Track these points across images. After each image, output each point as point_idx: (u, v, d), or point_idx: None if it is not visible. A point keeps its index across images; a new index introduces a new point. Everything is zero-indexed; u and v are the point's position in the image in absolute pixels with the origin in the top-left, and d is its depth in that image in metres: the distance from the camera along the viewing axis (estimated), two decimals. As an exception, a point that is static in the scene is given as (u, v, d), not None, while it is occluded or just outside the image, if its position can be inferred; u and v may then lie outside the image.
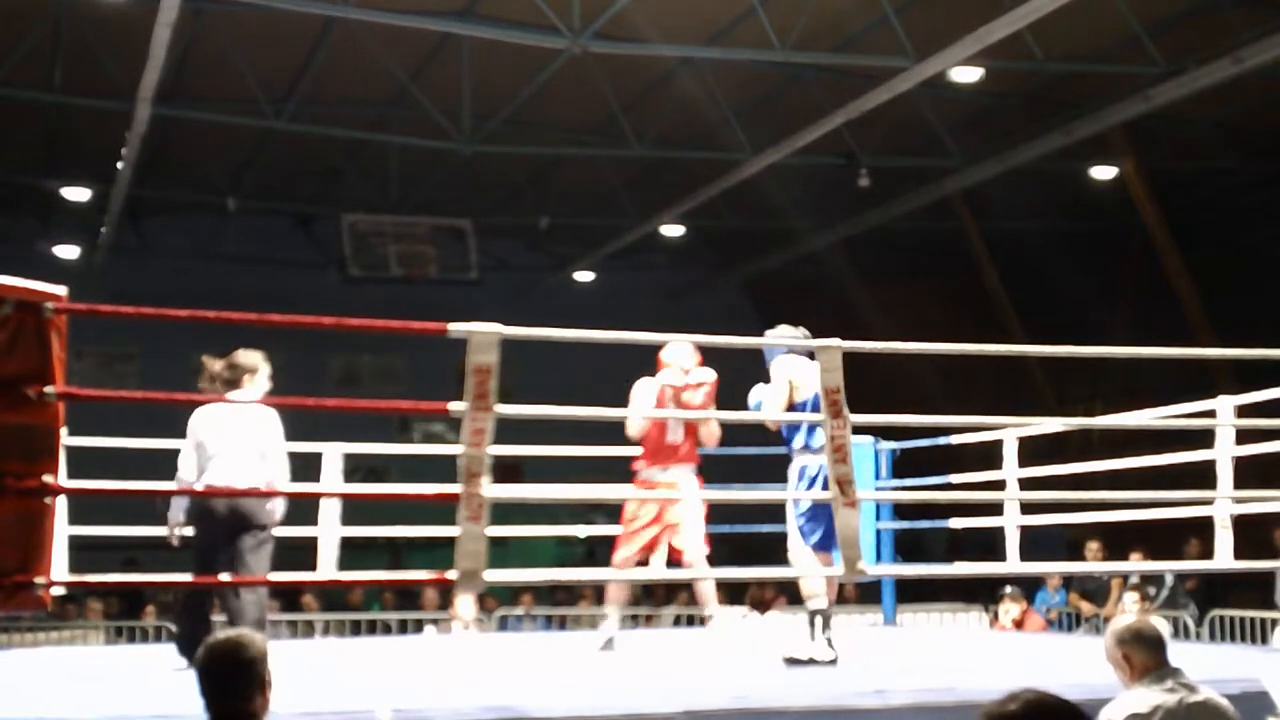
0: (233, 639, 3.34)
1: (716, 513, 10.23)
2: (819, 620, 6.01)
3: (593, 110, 13.68)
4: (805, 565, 6.10)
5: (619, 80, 12.78)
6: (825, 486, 5.97)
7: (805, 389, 6.14)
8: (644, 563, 6.82)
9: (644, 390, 6.72)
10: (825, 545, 6.09)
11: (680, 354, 6.71)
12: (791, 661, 5.94)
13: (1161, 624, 4.12)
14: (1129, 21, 11.24)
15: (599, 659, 6.55)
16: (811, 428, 6.15)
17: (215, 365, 6.40)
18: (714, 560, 6.99)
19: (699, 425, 6.69)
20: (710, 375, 6.76)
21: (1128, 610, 9.88)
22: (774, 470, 8.78)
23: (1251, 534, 7.59)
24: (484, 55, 12.20)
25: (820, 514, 6.07)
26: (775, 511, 8.67)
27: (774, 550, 15.95)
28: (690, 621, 12.15)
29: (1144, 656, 3.91)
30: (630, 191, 15.91)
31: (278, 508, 6.34)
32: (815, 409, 6.05)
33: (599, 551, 17.46)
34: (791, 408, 6.20)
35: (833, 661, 5.94)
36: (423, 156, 14.70)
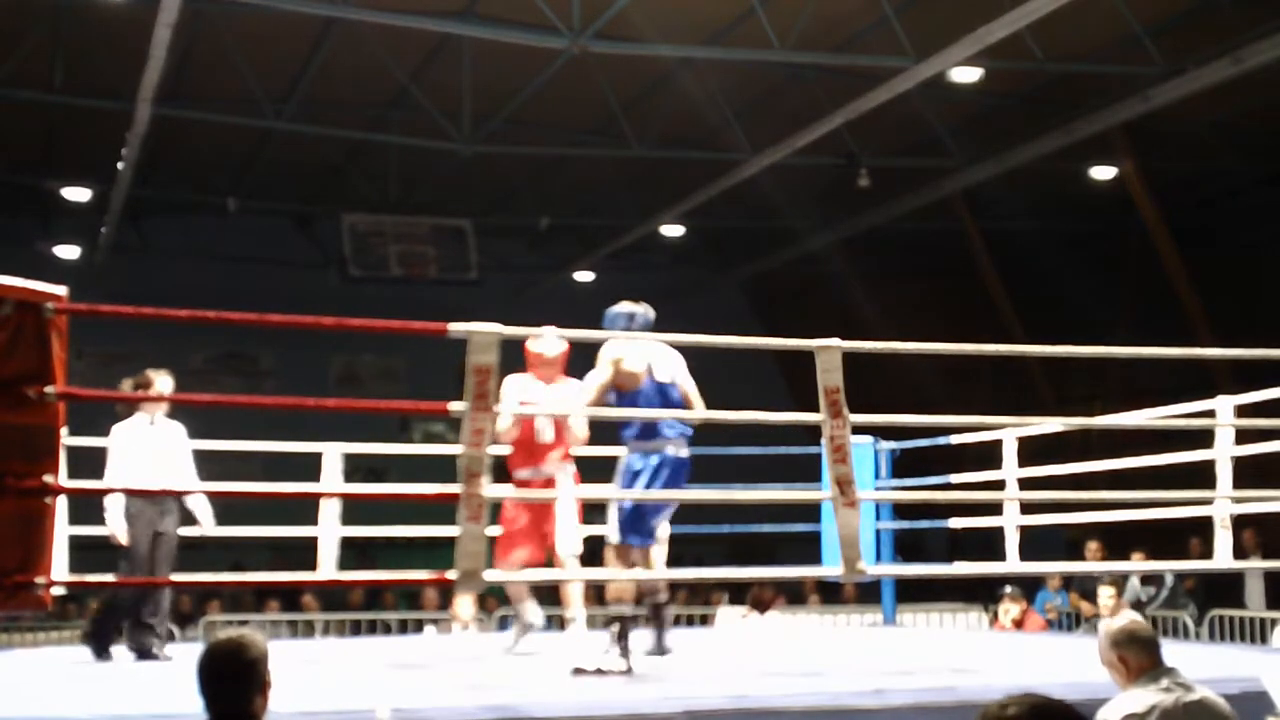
0: (234, 640, 3.34)
1: (716, 513, 10.25)
2: (618, 627, 5.71)
3: (593, 110, 13.67)
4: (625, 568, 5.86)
5: (619, 80, 12.78)
6: (656, 482, 5.75)
7: (639, 373, 5.76)
8: (537, 563, 6.74)
9: (512, 387, 6.56)
10: (647, 540, 5.88)
11: (545, 346, 6.62)
12: (579, 672, 5.60)
13: (1135, 617, 4.15)
14: (1129, 21, 11.24)
15: (537, 657, 6.50)
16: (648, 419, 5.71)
17: (126, 384, 6.81)
18: (711, 560, 6.97)
19: (565, 425, 6.59)
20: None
21: (1102, 604, 9.93)
22: (774, 470, 8.81)
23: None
24: (484, 55, 12.20)
25: (644, 508, 5.80)
26: (775, 511, 8.69)
27: (774, 550, 15.94)
28: (690, 621, 12.15)
29: (1139, 657, 3.92)
30: (630, 191, 15.91)
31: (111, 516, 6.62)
32: (657, 395, 5.80)
33: (596, 551, 17.49)
34: (622, 394, 5.79)
35: (626, 672, 5.59)
36: (423, 156, 14.69)
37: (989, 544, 10.74)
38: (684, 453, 5.83)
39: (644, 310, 6.03)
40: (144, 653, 6.65)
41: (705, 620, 11.77)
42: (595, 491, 6.37)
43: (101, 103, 12.65)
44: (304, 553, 7.86)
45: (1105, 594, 9.97)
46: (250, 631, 3.42)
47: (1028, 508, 7.90)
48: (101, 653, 6.68)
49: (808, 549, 8.54)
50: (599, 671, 5.61)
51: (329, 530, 7.67)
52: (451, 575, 4.23)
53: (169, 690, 5.20)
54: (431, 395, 6.08)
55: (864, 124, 12.76)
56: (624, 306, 6.07)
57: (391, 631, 11.36)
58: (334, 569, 7.72)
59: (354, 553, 16.63)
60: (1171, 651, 3.99)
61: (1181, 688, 3.83)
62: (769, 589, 11.43)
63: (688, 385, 5.99)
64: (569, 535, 6.60)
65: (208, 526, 6.93)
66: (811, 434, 5.35)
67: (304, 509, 7.92)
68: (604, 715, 4.53)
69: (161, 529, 6.72)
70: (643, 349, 5.82)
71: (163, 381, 6.65)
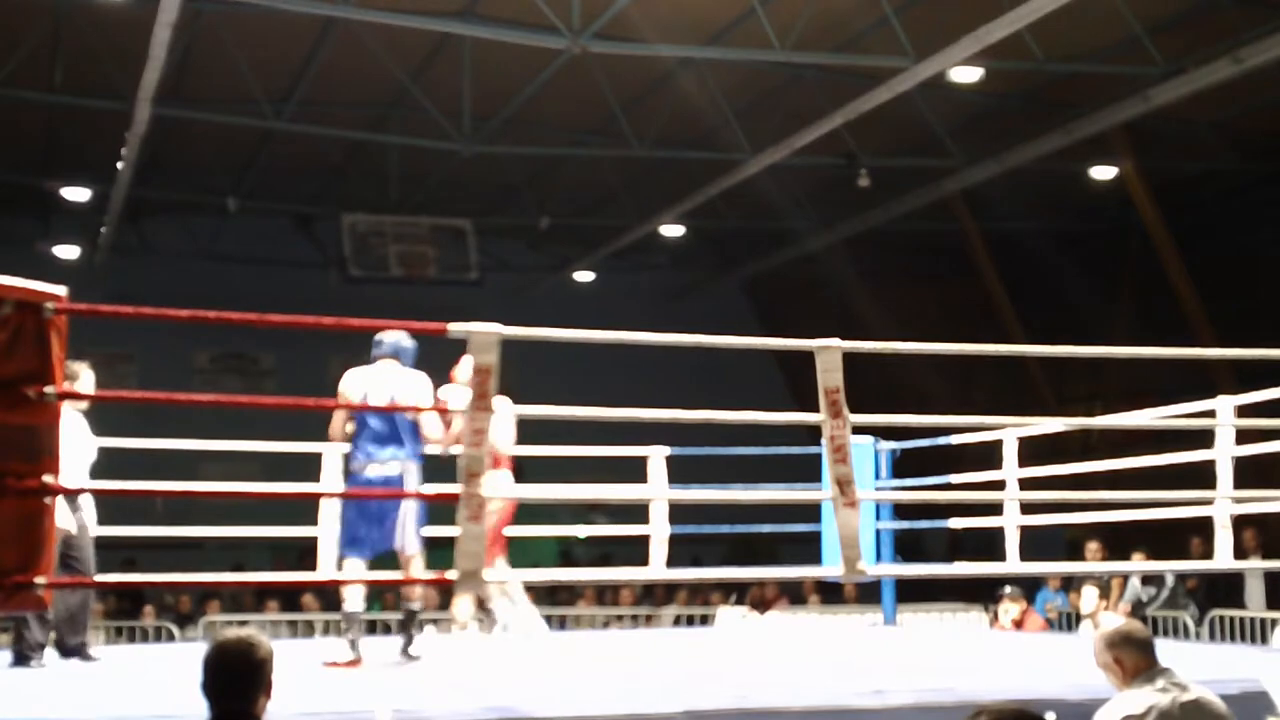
0: (244, 639, 3.34)
1: (716, 513, 10.23)
2: (346, 623, 6.16)
3: (593, 110, 13.67)
4: (349, 571, 6.22)
5: (619, 80, 12.77)
6: (356, 506, 6.13)
7: (355, 396, 6.20)
8: None
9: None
10: (361, 552, 6.21)
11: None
12: (329, 665, 6.05)
13: (1119, 619, 4.15)
14: (1129, 21, 11.24)
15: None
16: (363, 441, 6.18)
17: None
18: (710, 560, 6.98)
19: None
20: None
21: (1085, 601, 9.93)
22: (774, 470, 8.81)
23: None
24: (484, 55, 12.20)
25: (358, 522, 6.16)
26: (775, 512, 8.69)
27: (774, 550, 15.94)
28: (690, 621, 12.16)
29: (1135, 658, 3.93)
30: (630, 191, 15.91)
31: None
32: (376, 418, 6.18)
33: (576, 552, 17.52)
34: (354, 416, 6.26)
35: (353, 663, 6.05)
36: (423, 156, 14.69)
37: (989, 544, 10.74)
38: (388, 470, 6.17)
39: (393, 338, 6.39)
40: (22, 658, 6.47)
41: (705, 620, 11.78)
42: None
43: (101, 103, 12.65)
44: (304, 553, 7.86)
45: (1090, 594, 9.97)
46: (256, 632, 3.42)
47: (1028, 508, 7.89)
48: (69, 652, 6.59)
49: (808, 549, 8.54)
50: (333, 664, 6.03)
51: (330, 530, 7.65)
52: (451, 575, 4.23)
53: (169, 690, 5.20)
54: (431, 395, 6.09)
55: (864, 124, 12.75)
56: (382, 335, 6.38)
57: (391, 631, 11.36)
58: (334, 569, 7.71)
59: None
60: (1172, 652, 4.00)
61: (1178, 687, 3.84)
62: (769, 589, 11.45)
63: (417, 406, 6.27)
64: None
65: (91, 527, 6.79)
66: (811, 434, 5.35)
67: (304, 509, 7.92)
68: (604, 715, 4.53)
69: (83, 526, 6.56)
70: (367, 376, 6.28)
71: (86, 374, 6.58)
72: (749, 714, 4.53)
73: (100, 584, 6.47)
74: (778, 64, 12.13)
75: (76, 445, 6.57)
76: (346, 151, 15.23)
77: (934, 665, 6.52)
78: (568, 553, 17.58)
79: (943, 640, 8.90)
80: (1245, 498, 6.47)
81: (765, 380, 18.59)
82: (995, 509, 7.91)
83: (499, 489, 6.68)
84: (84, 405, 6.70)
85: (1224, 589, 11.41)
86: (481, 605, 7.36)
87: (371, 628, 11.58)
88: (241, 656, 3.30)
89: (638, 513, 8.47)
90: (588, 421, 4.97)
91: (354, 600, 6.16)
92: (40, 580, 3.76)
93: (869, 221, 16.27)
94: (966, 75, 12.09)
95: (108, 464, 7.41)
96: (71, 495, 6.48)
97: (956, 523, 8.81)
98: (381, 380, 6.28)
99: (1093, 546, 10.97)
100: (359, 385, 6.26)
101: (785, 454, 8.92)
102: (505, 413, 6.62)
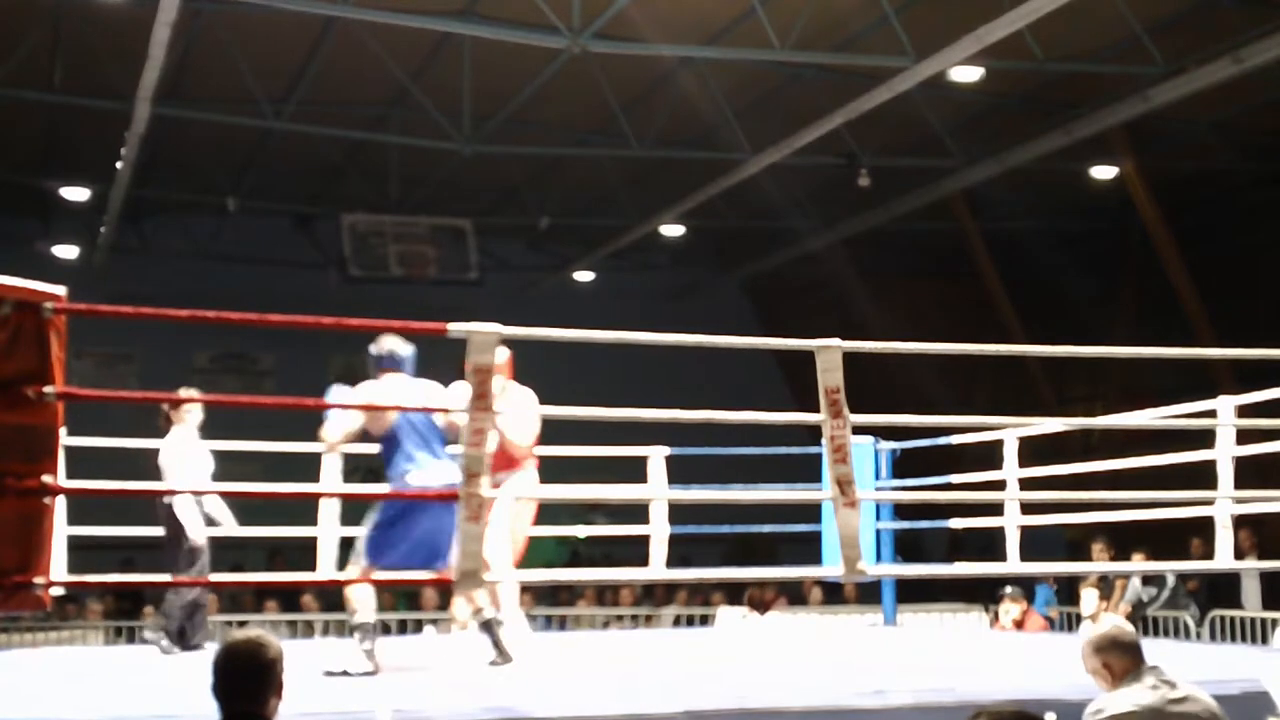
0: (253, 640, 3.33)
1: (716, 513, 10.24)
2: (359, 634, 5.83)
3: (593, 110, 13.67)
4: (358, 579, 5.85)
5: (619, 80, 12.77)
6: (391, 512, 5.74)
7: (386, 415, 5.76)
8: None
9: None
10: (390, 566, 5.79)
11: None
12: (329, 674, 5.72)
13: (1120, 620, 4.15)
14: (1129, 21, 11.24)
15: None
16: (405, 452, 5.78)
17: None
18: (707, 560, 6.94)
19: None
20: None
21: (1085, 604, 9.94)
22: (774, 470, 8.82)
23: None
24: (484, 55, 12.20)
25: (394, 536, 5.75)
26: (775, 512, 8.69)
27: (774, 550, 15.94)
28: (690, 621, 12.16)
29: (1123, 661, 3.94)
30: (630, 191, 15.91)
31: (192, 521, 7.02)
32: (411, 429, 5.80)
33: (580, 552, 17.52)
34: (377, 436, 5.86)
35: (369, 673, 5.71)
36: (423, 156, 14.69)
37: (989, 544, 10.74)
38: (437, 475, 5.78)
39: (389, 350, 5.95)
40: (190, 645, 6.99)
41: (705, 620, 11.78)
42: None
43: (101, 103, 12.64)
44: (304, 553, 7.86)
45: (1090, 596, 9.98)
46: (265, 633, 3.42)
47: (1028, 508, 7.89)
48: (188, 646, 6.99)
49: (808, 549, 8.54)
50: (344, 673, 5.72)
51: (329, 530, 7.66)
52: (451, 575, 4.23)
53: (171, 690, 5.20)
54: (431, 395, 6.08)
55: (864, 124, 12.76)
56: (377, 347, 5.97)
57: (391, 631, 11.36)
58: (334, 569, 7.71)
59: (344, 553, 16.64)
60: (1172, 652, 4.00)
61: (1167, 685, 3.84)
62: (769, 589, 11.44)
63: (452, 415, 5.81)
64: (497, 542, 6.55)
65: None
66: (811, 434, 5.35)
67: (304, 509, 7.92)
68: (604, 715, 4.52)
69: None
70: (387, 391, 5.85)
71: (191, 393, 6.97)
72: (749, 714, 4.53)
73: (99, 583, 6.49)
74: (778, 64, 12.14)
75: (200, 461, 7.09)
76: (346, 151, 15.22)
77: (934, 665, 6.52)
78: (575, 552, 17.60)
79: (943, 640, 8.90)
80: (1246, 498, 6.47)
81: (765, 380, 18.58)
82: (995, 509, 7.91)
83: (521, 489, 6.62)
84: (198, 423, 7.14)
85: (1224, 589, 11.42)
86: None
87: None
88: (251, 657, 3.29)
89: (638, 513, 8.47)
90: (588, 421, 4.96)
91: (366, 610, 5.82)
92: (39, 580, 3.76)
93: (869, 221, 16.28)
94: (966, 75, 12.09)
95: (107, 464, 7.42)
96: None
97: (956, 523, 8.82)
98: (406, 395, 5.87)
99: (1098, 547, 10.97)
100: (383, 400, 5.80)
101: (785, 454, 8.92)
102: (530, 407, 6.57)
